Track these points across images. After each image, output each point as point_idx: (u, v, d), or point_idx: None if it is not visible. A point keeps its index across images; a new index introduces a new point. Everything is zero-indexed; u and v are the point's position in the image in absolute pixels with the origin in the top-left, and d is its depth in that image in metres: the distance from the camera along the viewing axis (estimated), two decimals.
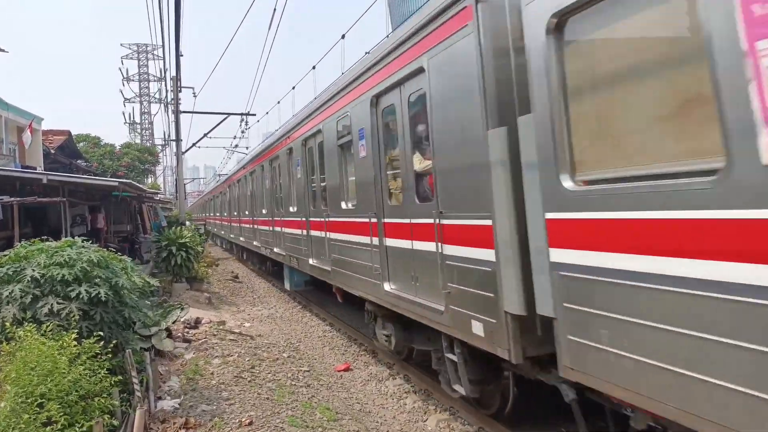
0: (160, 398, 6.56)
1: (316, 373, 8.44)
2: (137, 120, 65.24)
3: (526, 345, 4.50)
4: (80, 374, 4.80)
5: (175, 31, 14.21)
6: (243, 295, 17.11)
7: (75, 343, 5.06)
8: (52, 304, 5.56)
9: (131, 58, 68.22)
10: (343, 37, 14.78)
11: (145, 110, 67.17)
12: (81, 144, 36.10)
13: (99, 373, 5.06)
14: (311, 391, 7.47)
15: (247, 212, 20.81)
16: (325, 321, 12.30)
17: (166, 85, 22.85)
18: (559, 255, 3.94)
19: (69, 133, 30.25)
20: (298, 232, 12.12)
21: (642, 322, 3.28)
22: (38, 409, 4.31)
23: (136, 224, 29.24)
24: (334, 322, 11.67)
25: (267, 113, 30.84)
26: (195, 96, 26.20)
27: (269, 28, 14.32)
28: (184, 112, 23.64)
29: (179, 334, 9.76)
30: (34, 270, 5.75)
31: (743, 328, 2.73)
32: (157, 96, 62.02)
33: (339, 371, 8.71)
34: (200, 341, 9.58)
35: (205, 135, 25.50)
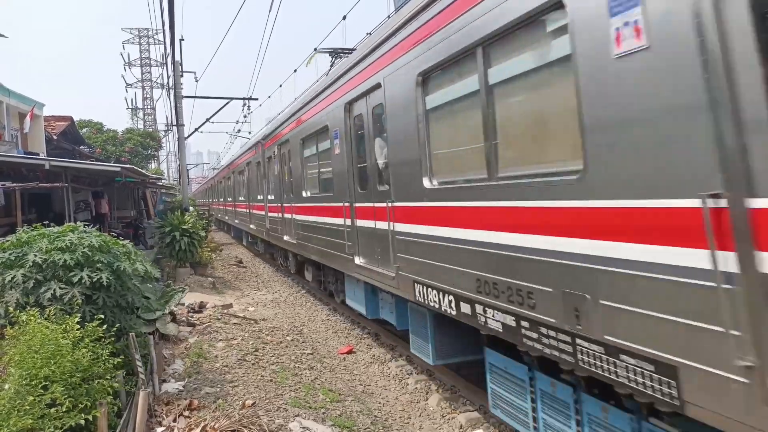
0: (164, 381, 6.62)
1: (320, 356, 8.49)
2: (139, 105, 65.02)
3: None
4: (84, 357, 4.83)
5: (169, 14, 14.10)
6: (247, 280, 17.19)
7: (78, 326, 5.10)
8: (54, 289, 5.58)
9: (132, 43, 67.76)
10: (344, 18, 14.63)
11: (147, 95, 66.89)
12: (84, 130, 36.03)
13: (102, 356, 5.10)
14: (314, 373, 7.53)
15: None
16: (328, 305, 12.35)
17: (167, 70, 22.76)
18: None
19: (71, 119, 30.19)
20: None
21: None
22: (42, 391, 4.35)
23: (140, 210, 29.34)
24: (338, 307, 11.71)
25: (269, 97, 30.71)
26: (197, 81, 26.07)
27: (269, 11, 14.20)
28: (186, 97, 23.52)
29: (183, 318, 9.83)
30: (36, 255, 5.76)
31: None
32: (159, 81, 61.75)
33: (342, 354, 8.77)
34: (204, 325, 9.65)
35: (207, 120, 25.40)
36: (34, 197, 18.00)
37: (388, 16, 7.79)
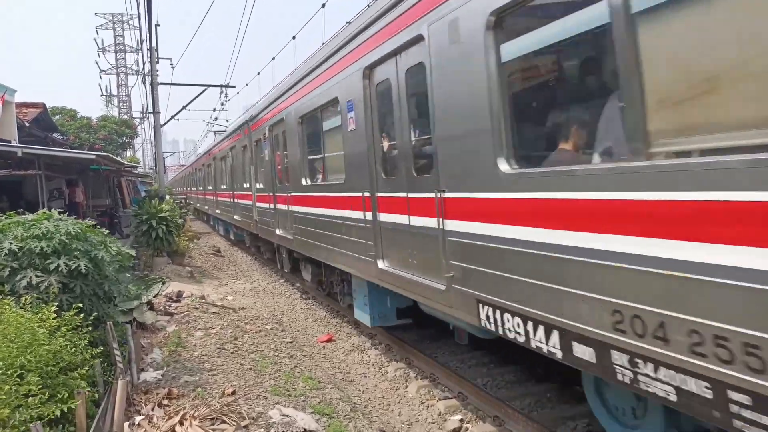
0: (142, 370, 6.59)
1: (299, 344, 8.52)
2: (114, 92, 63.73)
3: None
4: (60, 346, 4.78)
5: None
6: (225, 269, 17.09)
7: (54, 315, 5.04)
8: (30, 277, 5.51)
9: (106, 28, 66.28)
10: (323, 6, 14.53)
11: (122, 82, 65.60)
12: (57, 117, 35.15)
13: (80, 345, 5.05)
14: (294, 361, 7.56)
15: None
16: (307, 294, 12.36)
17: (142, 57, 22.40)
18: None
19: (44, 105, 29.40)
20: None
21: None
22: (18, 380, 4.30)
23: (116, 198, 28.89)
24: (317, 295, 11.73)
25: (247, 84, 30.39)
26: (173, 67, 25.79)
27: None
28: (162, 83, 23.19)
29: (161, 308, 9.75)
30: (11, 243, 5.67)
31: None
32: (134, 68, 60.57)
33: (322, 342, 8.80)
34: (182, 314, 9.59)
35: (184, 107, 25.05)
36: (4, 185, 17.59)
37: (368, 6, 7.58)
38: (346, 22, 7.83)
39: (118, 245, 6.72)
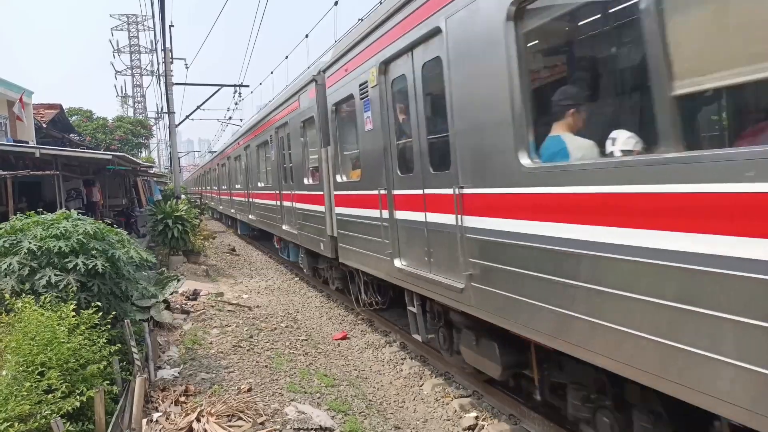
0: (159, 368, 6.66)
1: (314, 342, 8.55)
2: (129, 93, 64.39)
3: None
4: (80, 344, 4.85)
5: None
6: (240, 268, 17.19)
7: (73, 313, 5.11)
8: (49, 276, 5.58)
9: (121, 30, 66.98)
10: (336, 4, 14.54)
11: (137, 83, 66.25)
12: (73, 118, 35.69)
13: (98, 342, 5.13)
14: (309, 359, 7.59)
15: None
16: (322, 292, 12.39)
17: (157, 57, 22.61)
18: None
19: (60, 106, 29.85)
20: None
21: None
22: (39, 377, 4.38)
23: (132, 198, 29.21)
24: (332, 293, 11.77)
25: (260, 84, 30.53)
26: (187, 67, 25.90)
27: None
28: (176, 84, 23.36)
29: (178, 306, 9.84)
30: (30, 242, 5.75)
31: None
32: (148, 68, 61.13)
33: (336, 340, 8.82)
34: (198, 312, 9.67)
35: (198, 107, 25.24)
36: (23, 186, 17.85)
37: (380, 2, 7.62)
38: (359, 19, 7.85)
39: (140, 251, 6.78)
